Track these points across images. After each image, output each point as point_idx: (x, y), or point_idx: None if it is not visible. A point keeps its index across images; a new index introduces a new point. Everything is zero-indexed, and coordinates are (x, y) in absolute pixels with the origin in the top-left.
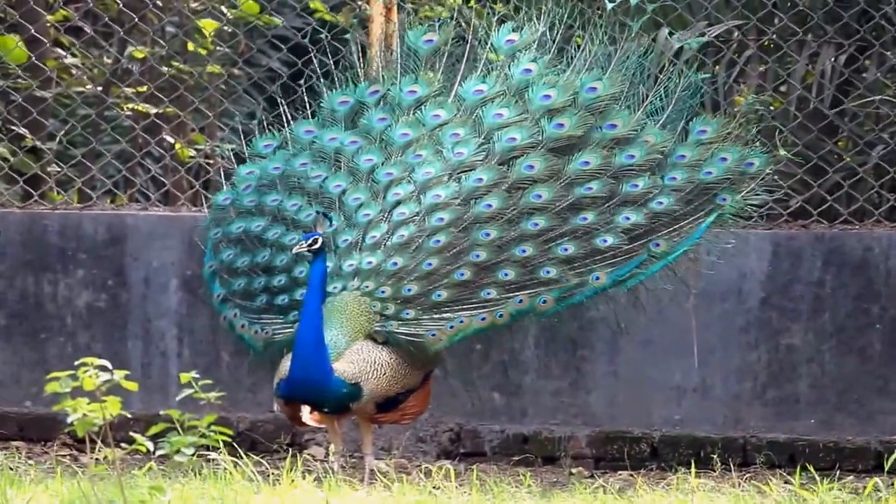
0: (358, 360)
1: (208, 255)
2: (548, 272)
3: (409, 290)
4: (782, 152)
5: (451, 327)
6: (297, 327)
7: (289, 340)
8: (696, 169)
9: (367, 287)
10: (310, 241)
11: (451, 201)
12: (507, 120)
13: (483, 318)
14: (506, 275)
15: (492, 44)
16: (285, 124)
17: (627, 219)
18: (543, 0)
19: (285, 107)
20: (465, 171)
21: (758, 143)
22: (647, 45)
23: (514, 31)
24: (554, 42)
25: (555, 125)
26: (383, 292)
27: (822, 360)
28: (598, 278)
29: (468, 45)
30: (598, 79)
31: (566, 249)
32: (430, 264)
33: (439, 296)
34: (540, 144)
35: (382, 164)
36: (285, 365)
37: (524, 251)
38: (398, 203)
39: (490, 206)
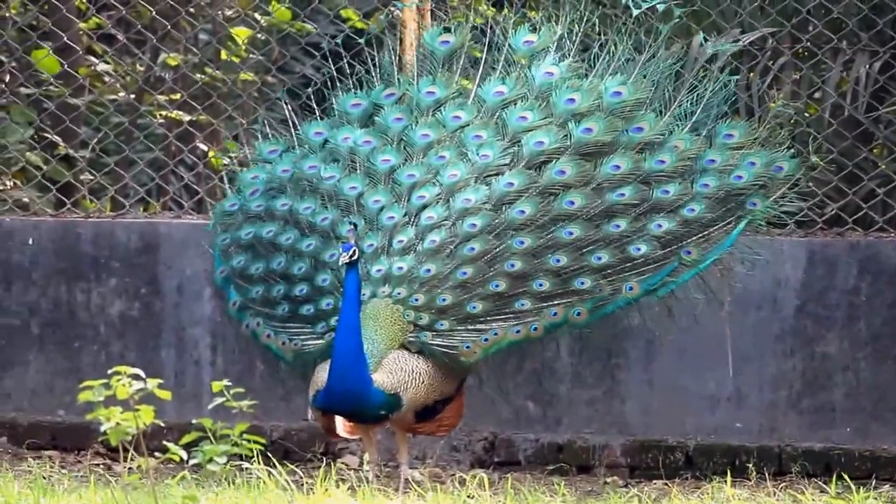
0: (396, 370)
1: (218, 260)
2: (582, 283)
3: (444, 299)
4: (815, 159)
5: (486, 340)
6: (334, 338)
7: (321, 351)
8: (727, 174)
9: (399, 294)
10: (350, 253)
11: (482, 206)
12: (532, 123)
13: (518, 331)
14: (540, 285)
15: (510, 45)
16: (292, 128)
17: (659, 226)
18: (565, 2)
19: (318, 112)
20: (493, 175)
21: (787, 148)
22: (675, 49)
23: (532, 32)
24: (574, 45)
25: (583, 129)
26: (416, 300)
27: (857, 368)
28: (631, 288)
29: (486, 47)
30: (622, 83)
31: (600, 258)
32: (464, 273)
33: (474, 307)
34: (568, 149)
35: (402, 165)
36: (321, 375)
37: (559, 260)
38: (424, 206)
39: (523, 212)
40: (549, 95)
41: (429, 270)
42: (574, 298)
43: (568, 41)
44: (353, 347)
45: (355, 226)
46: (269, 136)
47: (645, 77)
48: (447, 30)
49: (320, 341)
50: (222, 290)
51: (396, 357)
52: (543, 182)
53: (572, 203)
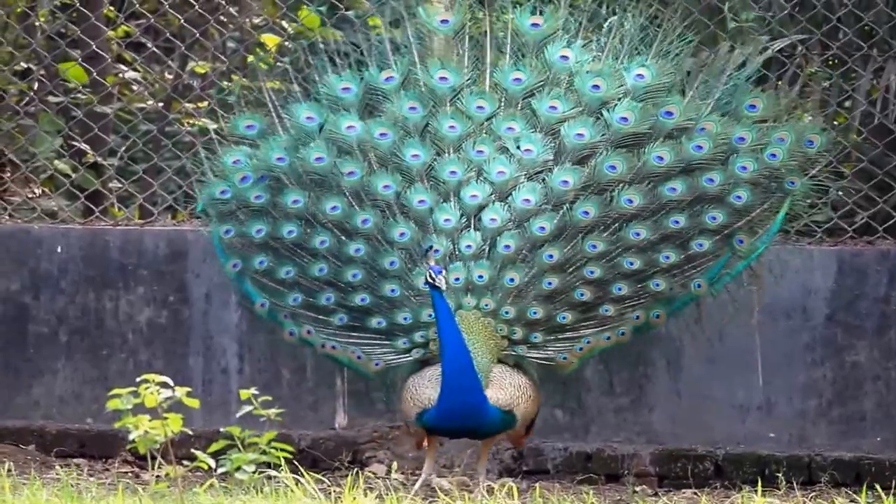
0: (506, 386)
1: (221, 253)
2: (657, 284)
3: (535, 312)
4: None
5: (580, 349)
6: (444, 358)
7: (410, 368)
8: (761, 153)
9: (487, 306)
10: (444, 276)
11: (543, 206)
12: (564, 113)
13: (608, 338)
14: (619, 289)
15: (516, 27)
16: (271, 106)
17: (714, 218)
18: None
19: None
20: (540, 172)
21: (815, 120)
22: (685, 24)
23: (536, 13)
24: (581, 23)
25: (620, 119)
26: (508, 313)
27: (887, 377)
28: (699, 286)
29: (488, 27)
30: (643, 66)
31: (668, 258)
32: (550, 283)
33: (564, 318)
34: (609, 141)
35: (436, 160)
36: (424, 393)
37: (632, 263)
38: (481, 207)
39: (587, 213)
40: (572, 81)
41: (512, 280)
42: (650, 300)
43: (572, 19)
44: (466, 369)
45: (434, 248)
46: (244, 110)
47: (666, 56)
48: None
49: (406, 357)
50: (238, 285)
51: (501, 372)
52: (598, 179)
53: (631, 201)
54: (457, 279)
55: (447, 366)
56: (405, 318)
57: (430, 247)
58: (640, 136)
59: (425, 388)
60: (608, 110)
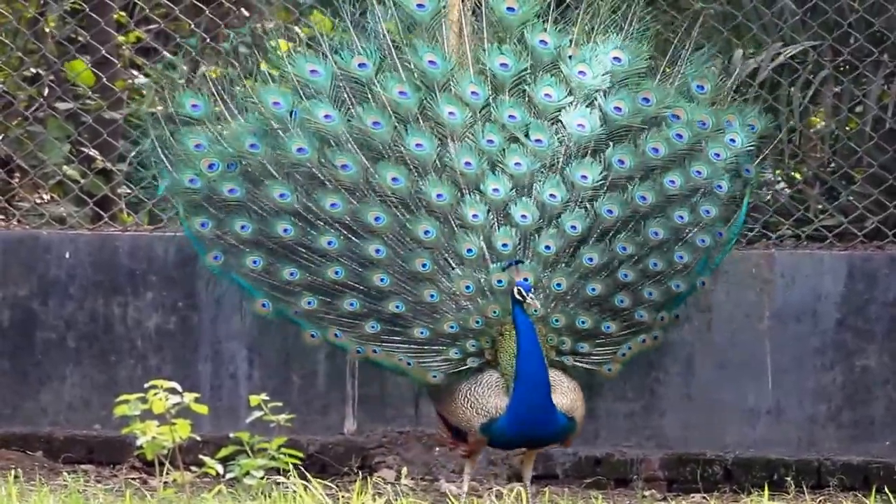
0: (566, 391)
1: (198, 245)
2: (678, 286)
3: (584, 322)
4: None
5: (623, 355)
6: (522, 372)
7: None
8: (722, 136)
9: (536, 311)
10: (531, 293)
11: (570, 204)
12: (560, 102)
13: (643, 341)
14: (650, 294)
15: (491, 8)
16: (216, 84)
17: (708, 212)
18: None
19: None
20: (555, 164)
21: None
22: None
23: None
24: (550, 8)
25: (614, 108)
26: (557, 322)
27: None
28: (703, 283)
29: (464, 11)
30: (617, 47)
31: (682, 257)
32: (594, 290)
33: (608, 328)
34: (607, 134)
35: (441, 148)
36: (490, 402)
37: (656, 264)
38: (506, 203)
39: (611, 211)
40: (557, 67)
41: (559, 285)
42: (671, 301)
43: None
44: (543, 381)
45: (521, 262)
46: (188, 87)
47: (641, 36)
48: None
49: (462, 367)
50: (224, 279)
51: (559, 378)
52: (612, 174)
53: (644, 198)
54: (500, 282)
55: (526, 378)
56: (451, 327)
57: (518, 260)
58: (631, 127)
59: (489, 397)
60: (603, 96)
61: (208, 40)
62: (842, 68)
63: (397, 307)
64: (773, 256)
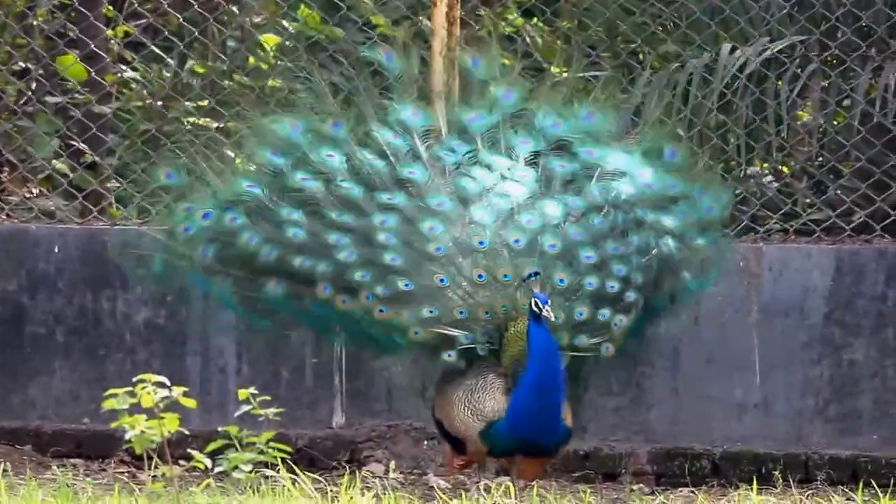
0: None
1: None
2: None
3: (581, 313)
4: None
5: (616, 326)
6: (527, 378)
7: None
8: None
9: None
10: (548, 305)
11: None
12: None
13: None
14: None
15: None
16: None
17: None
18: None
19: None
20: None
21: None
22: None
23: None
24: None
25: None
26: (558, 319)
27: (885, 375)
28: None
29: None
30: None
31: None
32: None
33: (604, 315)
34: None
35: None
36: (489, 405)
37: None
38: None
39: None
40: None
41: (562, 280)
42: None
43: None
44: (559, 389)
45: (538, 274)
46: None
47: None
48: None
49: (482, 378)
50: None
51: None
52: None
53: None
54: (506, 275)
55: (531, 384)
56: (461, 313)
57: (535, 272)
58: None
59: (489, 401)
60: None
61: (197, 34)
62: (829, 62)
63: (406, 285)
64: (761, 250)
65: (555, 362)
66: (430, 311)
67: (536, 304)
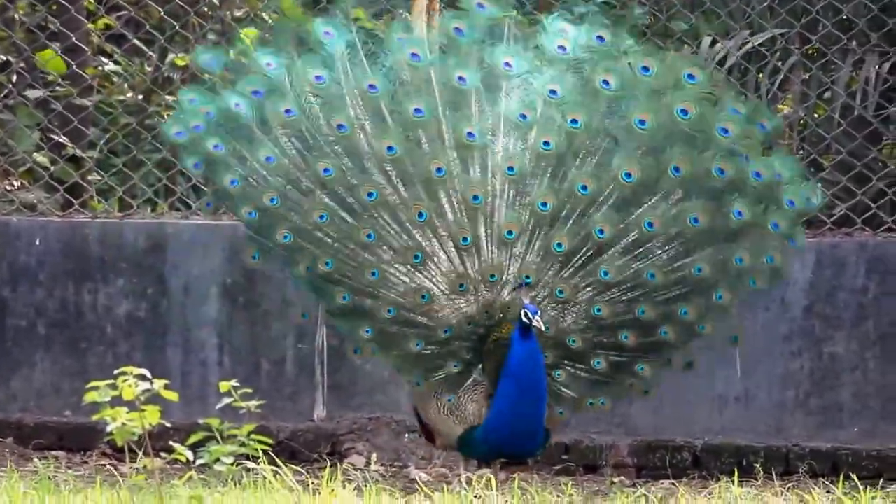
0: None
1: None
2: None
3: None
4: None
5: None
6: (503, 389)
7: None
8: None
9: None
10: (538, 315)
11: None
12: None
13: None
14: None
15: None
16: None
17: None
18: None
19: None
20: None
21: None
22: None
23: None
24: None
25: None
26: (548, 329)
27: (865, 368)
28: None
29: None
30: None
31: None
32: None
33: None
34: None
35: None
36: (469, 408)
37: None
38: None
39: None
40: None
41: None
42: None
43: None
44: (542, 396)
45: (528, 283)
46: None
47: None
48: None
49: (463, 380)
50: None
51: None
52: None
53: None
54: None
55: (508, 395)
56: (464, 354)
57: (526, 281)
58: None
59: (472, 404)
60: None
61: (178, 28)
62: (810, 55)
63: (389, 312)
64: None
65: (537, 375)
66: (419, 344)
67: (526, 315)
